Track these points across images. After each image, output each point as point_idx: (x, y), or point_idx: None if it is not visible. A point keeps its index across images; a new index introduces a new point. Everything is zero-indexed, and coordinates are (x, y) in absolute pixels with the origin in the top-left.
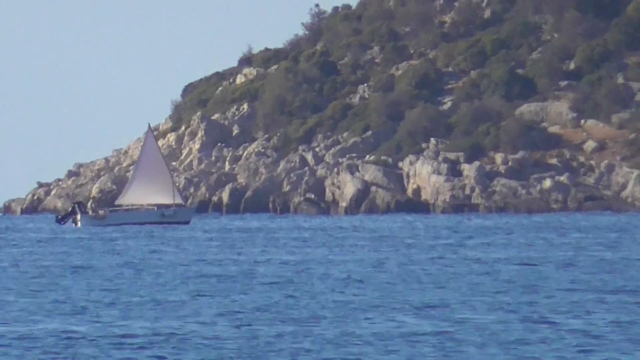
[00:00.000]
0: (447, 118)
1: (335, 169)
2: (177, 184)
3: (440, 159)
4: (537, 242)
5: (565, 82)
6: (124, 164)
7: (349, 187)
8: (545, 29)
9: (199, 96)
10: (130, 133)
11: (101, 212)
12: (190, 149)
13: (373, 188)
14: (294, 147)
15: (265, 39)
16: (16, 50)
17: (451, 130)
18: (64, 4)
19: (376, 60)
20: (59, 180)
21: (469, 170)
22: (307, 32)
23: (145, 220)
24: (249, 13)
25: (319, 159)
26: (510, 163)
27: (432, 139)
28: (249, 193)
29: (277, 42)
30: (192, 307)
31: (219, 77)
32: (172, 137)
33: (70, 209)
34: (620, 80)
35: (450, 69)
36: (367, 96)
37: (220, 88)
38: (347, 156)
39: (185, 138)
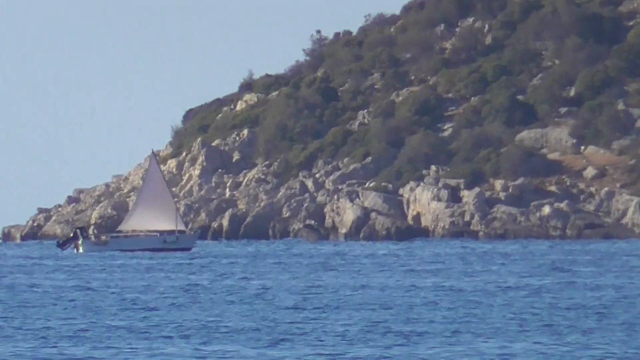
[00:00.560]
0: (447, 144)
1: (335, 196)
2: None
3: (440, 185)
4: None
5: (566, 109)
6: (124, 190)
7: (348, 213)
8: (546, 56)
9: (200, 122)
10: (130, 159)
11: (103, 237)
12: (191, 175)
13: (373, 214)
14: (294, 173)
15: (266, 65)
16: (16, 75)
17: (452, 156)
18: (67, 29)
19: (377, 87)
20: (59, 206)
21: (468, 196)
22: (308, 58)
23: (147, 247)
24: (250, 39)
25: (319, 186)
26: (510, 189)
27: (432, 165)
28: (249, 219)
29: (278, 68)
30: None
31: (220, 103)
32: (172, 163)
33: (72, 234)
34: (621, 106)
35: (450, 95)
36: (367, 122)
37: (220, 114)
38: (347, 182)
39: (186, 164)
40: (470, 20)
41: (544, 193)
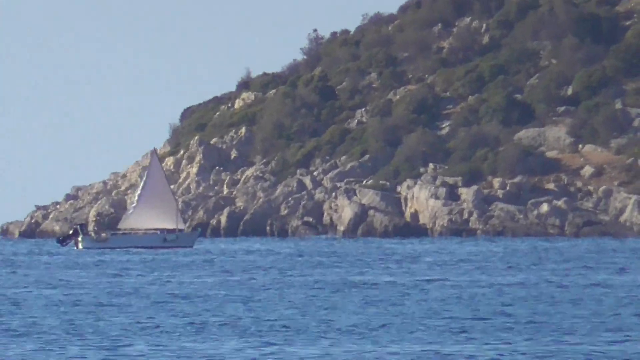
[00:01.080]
0: (445, 143)
1: (333, 193)
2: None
3: (438, 183)
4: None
5: (563, 108)
6: (122, 188)
7: (346, 211)
8: (543, 55)
9: (198, 120)
10: (128, 157)
11: (103, 234)
12: (189, 173)
13: (371, 212)
14: (291, 171)
15: (263, 64)
16: (15, 72)
17: (449, 155)
18: (64, 26)
19: (374, 85)
20: (57, 203)
21: (467, 194)
22: (305, 57)
23: (147, 244)
24: (247, 38)
25: (317, 183)
26: (508, 188)
27: (430, 163)
28: (247, 217)
29: (276, 66)
30: None
31: (218, 101)
32: (170, 161)
33: (72, 230)
34: (618, 105)
35: (448, 94)
36: (365, 121)
37: (218, 112)
38: (345, 180)
39: (184, 162)
40: (468, 19)
41: (542, 191)
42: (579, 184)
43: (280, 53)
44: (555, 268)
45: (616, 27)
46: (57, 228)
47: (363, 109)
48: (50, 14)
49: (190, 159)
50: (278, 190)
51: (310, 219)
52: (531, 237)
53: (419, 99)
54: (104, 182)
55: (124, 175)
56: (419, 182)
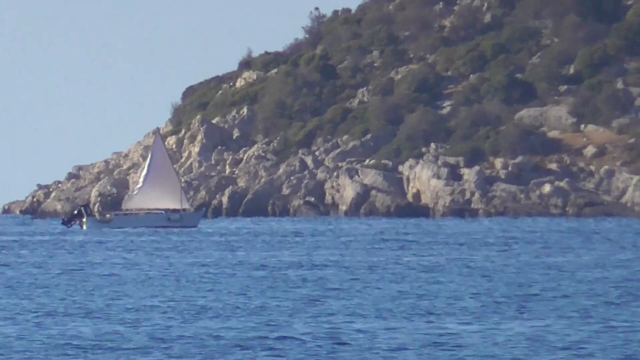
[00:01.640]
0: (446, 122)
1: (335, 173)
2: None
3: (440, 163)
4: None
5: (565, 87)
6: (124, 167)
7: (348, 190)
8: (545, 34)
9: (199, 99)
10: (130, 136)
11: (107, 215)
12: (190, 152)
13: (373, 192)
14: (293, 150)
15: (265, 43)
16: (16, 52)
17: (451, 134)
18: (66, 7)
19: (376, 64)
20: (59, 182)
21: (468, 174)
22: (307, 36)
23: (151, 224)
24: (249, 17)
25: (318, 163)
26: (510, 168)
27: (432, 143)
28: (249, 196)
29: (277, 45)
30: None
31: (219, 80)
32: (172, 140)
33: (76, 211)
34: (620, 85)
35: (449, 73)
36: (366, 100)
37: (220, 91)
38: (347, 160)
39: (186, 141)
40: None
41: (544, 171)
42: (581, 164)
43: (281, 32)
44: None
45: (618, 6)
46: (58, 207)
47: (364, 88)
48: None
49: (192, 139)
50: (280, 170)
51: (312, 199)
52: (533, 217)
53: (420, 77)
54: (106, 162)
55: (126, 155)
56: (420, 162)
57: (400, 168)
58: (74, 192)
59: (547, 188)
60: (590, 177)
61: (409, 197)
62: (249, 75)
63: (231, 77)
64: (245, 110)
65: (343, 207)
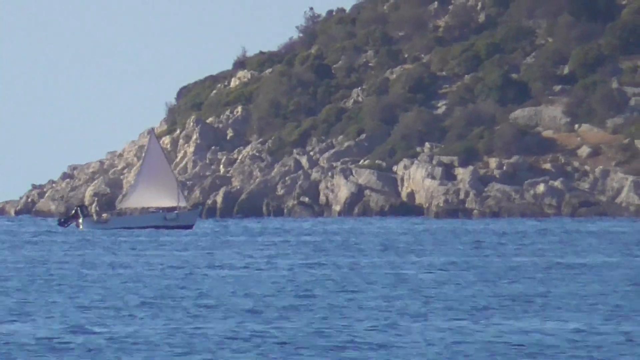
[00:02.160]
0: (441, 122)
1: (330, 173)
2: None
3: (434, 162)
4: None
5: (559, 87)
6: (119, 167)
7: (343, 190)
8: (539, 34)
9: (194, 99)
10: (124, 136)
11: (104, 215)
12: (185, 152)
13: (367, 192)
14: (288, 150)
15: (259, 42)
16: (11, 51)
17: (445, 134)
18: (60, 6)
19: (370, 64)
20: (53, 182)
21: (463, 174)
22: (301, 36)
23: (148, 224)
24: (243, 16)
25: (313, 163)
26: (504, 167)
27: (426, 143)
28: (243, 196)
29: (272, 45)
30: None
31: (214, 80)
32: (166, 140)
33: (73, 211)
34: (615, 84)
35: (444, 73)
36: (361, 100)
37: (214, 91)
38: (341, 160)
39: (180, 141)
40: None
41: (539, 171)
42: (576, 164)
43: (276, 31)
44: None
45: (612, 5)
46: (53, 207)
47: (359, 88)
48: None
49: (187, 138)
50: (274, 170)
51: (307, 199)
52: (527, 217)
53: (415, 77)
54: (101, 162)
55: (121, 155)
56: (415, 161)
57: (395, 168)
58: (69, 192)
59: (541, 188)
60: (585, 177)
61: (403, 197)
62: (244, 75)
63: (225, 76)
64: (239, 110)
65: (337, 207)
